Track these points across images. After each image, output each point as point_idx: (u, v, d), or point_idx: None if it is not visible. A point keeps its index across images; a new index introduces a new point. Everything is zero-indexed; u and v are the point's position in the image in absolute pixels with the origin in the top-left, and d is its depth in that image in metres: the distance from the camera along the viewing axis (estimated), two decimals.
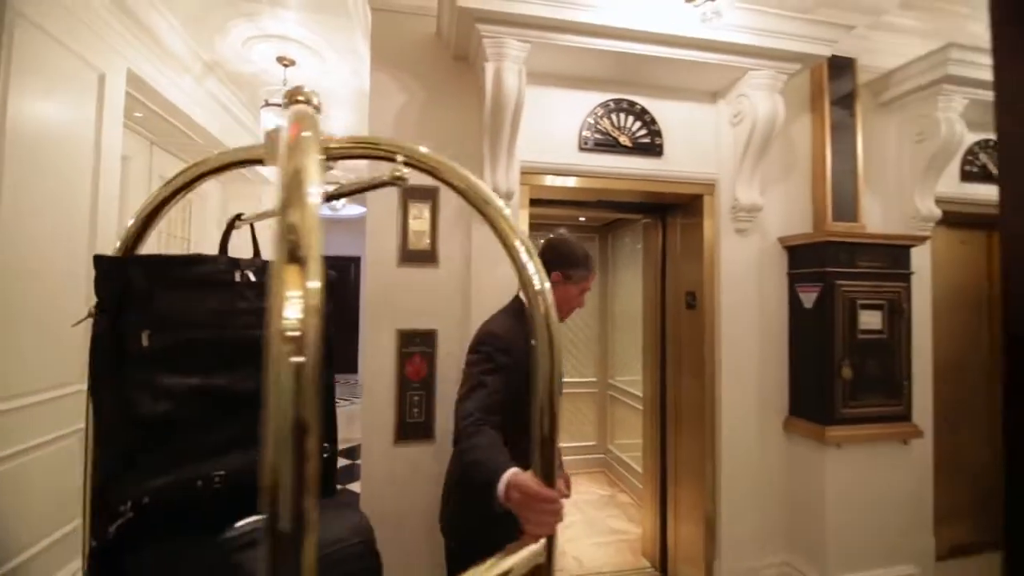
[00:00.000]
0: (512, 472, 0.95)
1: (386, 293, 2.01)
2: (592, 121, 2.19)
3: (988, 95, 2.00)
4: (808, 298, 2.27)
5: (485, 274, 2.02)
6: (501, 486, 0.95)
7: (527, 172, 2.12)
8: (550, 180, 2.16)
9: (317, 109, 0.61)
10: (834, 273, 2.18)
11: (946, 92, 2.35)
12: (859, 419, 2.19)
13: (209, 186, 4.89)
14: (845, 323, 2.18)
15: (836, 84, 2.42)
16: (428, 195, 2.05)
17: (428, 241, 2.04)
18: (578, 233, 4.36)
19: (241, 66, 3.28)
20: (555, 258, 1.53)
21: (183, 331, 0.74)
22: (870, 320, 2.22)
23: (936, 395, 2.53)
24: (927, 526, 2.48)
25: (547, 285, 0.60)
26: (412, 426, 1.99)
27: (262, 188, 5.23)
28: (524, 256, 0.62)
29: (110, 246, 0.81)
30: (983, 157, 2.73)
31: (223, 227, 0.99)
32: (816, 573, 2.22)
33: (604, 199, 2.49)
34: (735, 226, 2.28)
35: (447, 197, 2.06)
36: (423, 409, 2.00)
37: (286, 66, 3.10)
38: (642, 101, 2.25)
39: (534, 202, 2.44)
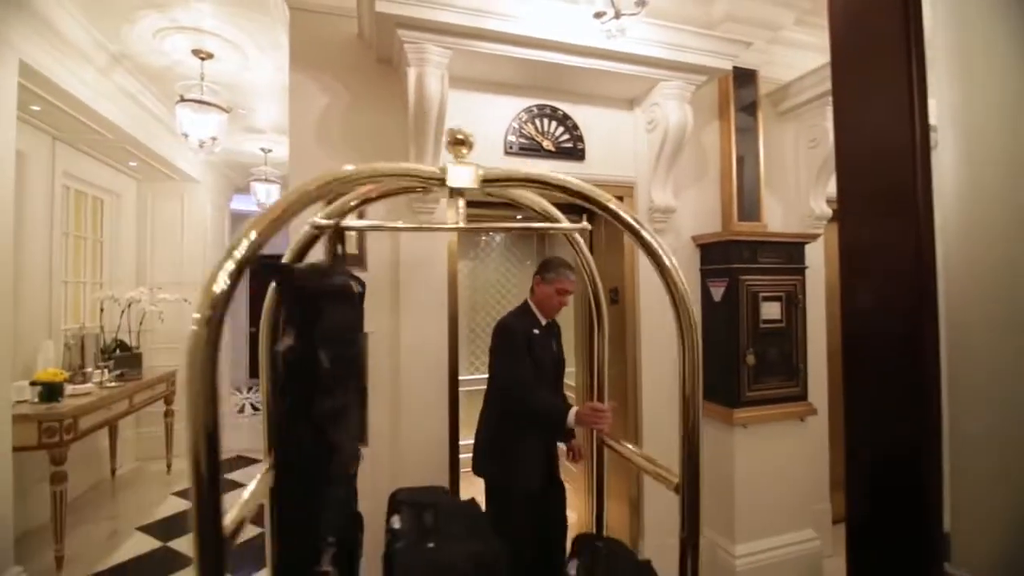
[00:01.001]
0: (575, 408, 1.81)
1: None
2: (517, 126, 2.26)
3: None
4: (717, 292, 2.47)
5: (414, 279, 2.05)
6: (571, 416, 1.79)
7: None
8: None
9: (469, 145, 0.95)
10: (739, 269, 2.39)
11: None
12: (762, 401, 2.42)
13: (123, 183, 4.57)
14: (749, 314, 2.40)
15: (741, 93, 2.63)
16: None
17: (357, 245, 2.05)
18: (515, 234, 4.46)
19: (153, 58, 3.09)
20: (538, 268, 2.11)
21: (338, 347, 0.74)
22: (770, 311, 2.45)
23: (830, 376, 2.83)
24: (824, 494, 2.78)
25: None
26: None
27: (184, 186, 4.94)
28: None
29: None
30: None
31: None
32: (729, 542, 2.44)
33: None
34: (652, 227, 2.43)
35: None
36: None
37: (203, 59, 2.96)
38: (564, 107, 2.35)
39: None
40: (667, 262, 0.92)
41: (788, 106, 2.77)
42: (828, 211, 2.76)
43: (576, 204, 2.78)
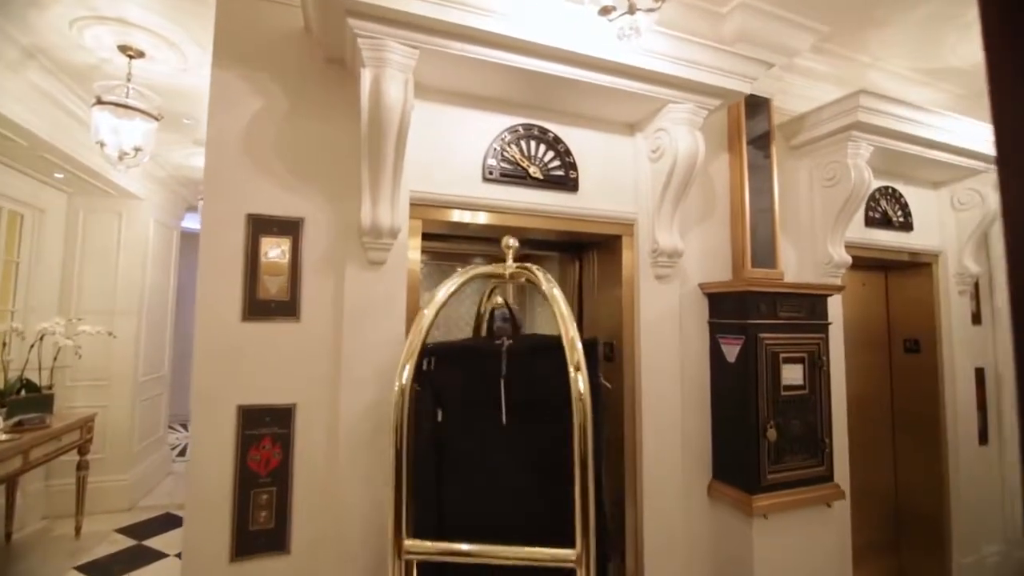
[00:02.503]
0: None
1: (224, 356, 1.52)
2: (498, 148, 1.88)
3: (892, 144, 1.91)
4: (731, 351, 2.09)
5: (362, 333, 1.61)
6: None
7: (419, 204, 1.75)
8: (449, 214, 1.81)
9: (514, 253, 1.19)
10: (757, 325, 2.02)
11: (855, 139, 2.32)
12: (784, 484, 2.01)
13: (49, 197, 4.02)
14: (769, 379, 2.02)
15: (752, 124, 2.32)
16: (289, 228, 1.61)
17: (287, 288, 1.59)
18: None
19: (74, 54, 2.63)
20: None
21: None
22: (792, 375, 2.07)
23: (852, 448, 2.45)
24: None
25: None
26: (257, 536, 1.50)
27: (123, 202, 4.40)
28: None
29: None
30: (884, 204, 2.78)
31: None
32: None
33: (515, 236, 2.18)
34: (655, 272, 2.05)
35: (316, 231, 1.64)
36: (273, 512, 1.52)
37: (131, 57, 2.52)
38: (555, 129, 1.98)
39: (436, 236, 2.08)
40: None
41: (803, 140, 2.48)
42: (848, 258, 2.44)
43: (567, 241, 2.41)
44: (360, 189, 1.57)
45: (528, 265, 1.27)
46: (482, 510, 0.98)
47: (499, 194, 1.85)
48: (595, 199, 2.01)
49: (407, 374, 1.09)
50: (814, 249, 2.49)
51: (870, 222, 2.72)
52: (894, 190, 2.83)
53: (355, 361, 1.59)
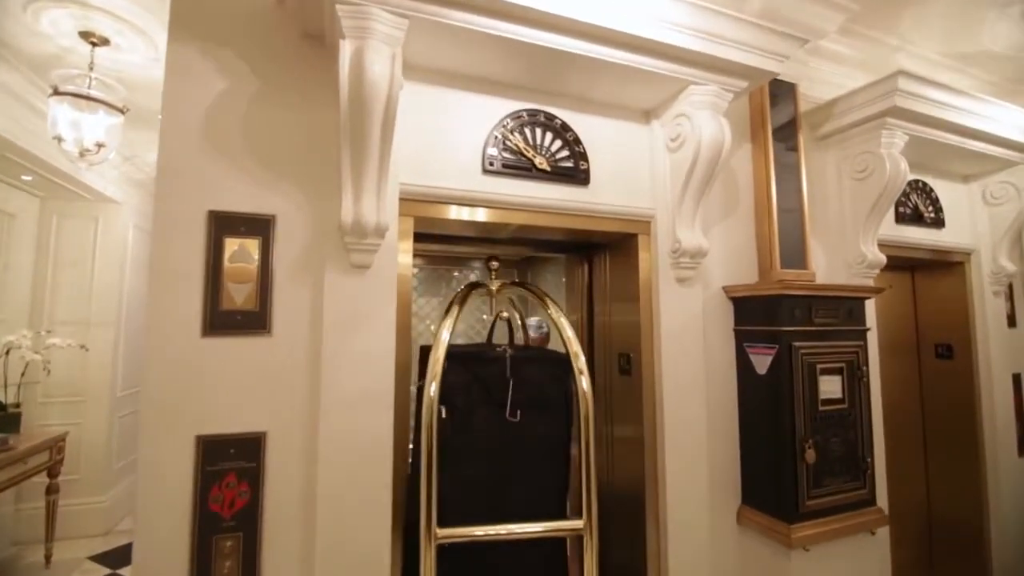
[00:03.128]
0: None
1: (180, 379, 1.29)
2: (500, 136, 1.66)
3: (929, 133, 1.68)
4: (762, 362, 1.87)
5: (345, 348, 1.38)
6: None
7: (410, 199, 1.53)
8: (445, 210, 1.59)
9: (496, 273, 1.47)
10: (792, 333, 1.80)
11: (890, 127, 2.12)
12: (825, 511, 1.79)
13: (20, 201, 3.78)
14: (805, 393, 1.80)
15: (776, 112, 2.11)
16: (258, 227, 1.39)
17: (256, 298, 1.37)
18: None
19: (30, 41, 2.40)
20: None
21: None
22: (830, 388, 1.86)
23: (889, 466, 2.24)
24: None
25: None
26: None
27: (100, 207, 4.17)
28: None
29: None
30: (915, 198, 2.58)
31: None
32: None
33: (518, 236, 1.96)
34: (676, 274, 1.83)
35: (290, 231, 1.41)
36: (239, 561, 1.29)
37: (95, 45, 2.29)
38: (563, 115, 1.76)
39: (430, 237, 1.86)
40: None
41: (831, 129, 2.27)
42: (882, 258, 2.24)
43: (575, 242, 2.18)
44: (341, 182, 1.35)
45: (518, 282, 1.36)
46: (485, 495, 1.06)
47: (501, 187, 1.63)
48: (608, 193, 1.79)
49: (435, 389, 1.15)
50: (844, 248, 2.28)
51: (901, 218, 2.52)
52: (924, 184, 2.63)
53: (337, 380, 1.36)
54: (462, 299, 1.28)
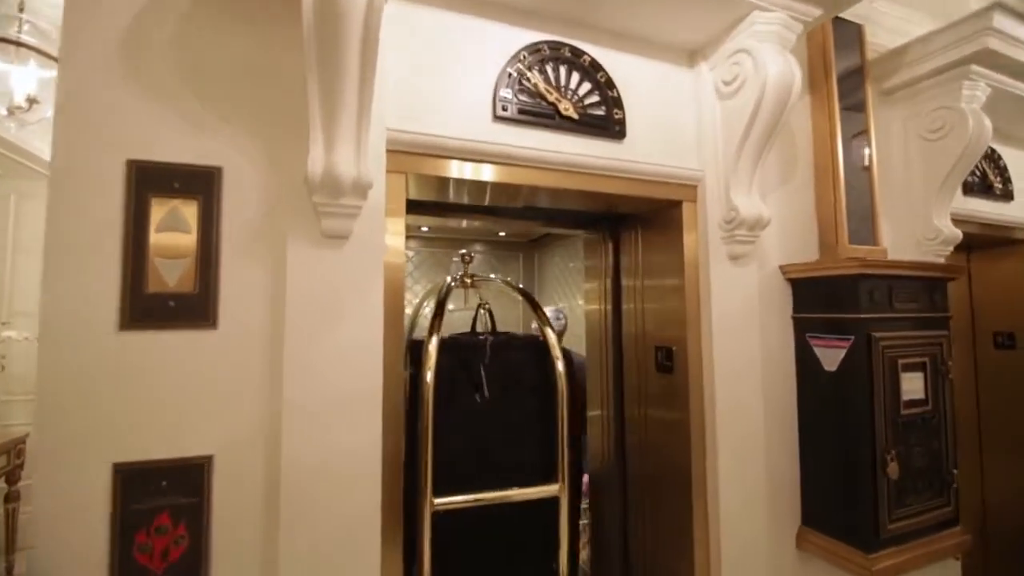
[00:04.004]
0: None
1: (90, 386, 0.95)
2: (515, 74, 1.31)
3: (1016, 86, 1.34)
4: (831, 356, 1.54)
5: (315, 342, 1.04)
6: None
7: (401, 151, 1.19)
8: (445, 166, 1.24)
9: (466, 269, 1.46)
10: (871, 321, 1.48)
11: (974, 76, 1.78)
12: (909, 534, 1.48)
13: None
14: (887, 393, 1.48)
15: (839, 57, 1.76)
16: (200, 183, 1.04)
17: (195, 278, 1.02)
18: (496, 252, 3.49)
19: None
20: None
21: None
22: (913, 387, 1.54)
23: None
24: None
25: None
26: None
27: None
28: None
29: None
30: (984, 166, 2.25)
31: None
32: None
33: (533, 205, 1.62)
34: (729, 250, 1.50)
35: (242, 189, 1.07)
36: None
37: None
38: (592, 51, 1.41)
39: (421, 206, 1.52)
40: None
41: (900, 81, 1.93)
42: (957, 233, 1.91)
43: (597, 214, 1.73)
44: (309, 122, 1.00)
45: (491, 277, 1.38)
46: (471, 467, 1.12)
47: (517, 138, 1.29)
48: (648, 151, 1.45)
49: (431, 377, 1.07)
50: (913, 221, 1.95)
51: (968, 189, 2.18)
52: (992, 150, 2.29)
53: (305, 384, 1.03)
54: (446, 294, 1.30)
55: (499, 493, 1.03)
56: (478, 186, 1.34)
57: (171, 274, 1.00)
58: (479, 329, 1.73)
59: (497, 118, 1.27)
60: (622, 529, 1.78)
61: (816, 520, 1.58)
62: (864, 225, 1.73)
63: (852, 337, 1.49)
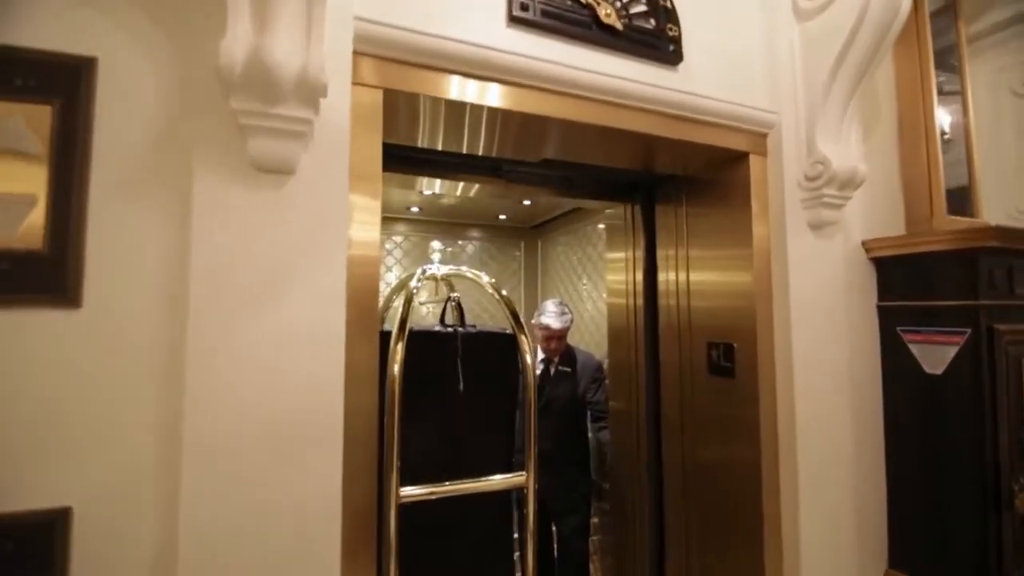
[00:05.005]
0: None
1: None
2: None
3: None
4: (933, 356, 1.20)
5: (237, 339, 0.67)
6: None
7: (375, 56, 0.82)
8: (439, 83, 0.87)
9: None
10: (991, 310, 1.14)
11: None
12: None
13: None
14: (1012, 403, 1.14)
15: None
16: (59, 83, 0.66)
17: (44, 231, 0.65)
18: (494, 240, 3.13)
19: None
20: None
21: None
22: None
23: None
24: None
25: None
26: None
27: None
28: None
29: None
30: None
31: None
32: None
33: (552, 156, 1.26)
34: (812, 216, 1.15)
35: (126, 89, 0.69)
36: None
37: None
38: None
39: (402, 159, 1.15)
40: None
41: (990, 25, 1.60)
42: None
43: (632, 175, 1.33)
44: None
45: (462, 270, 1.26)
46: (437, 458, 1.16)
47: (539, 50, 0.92)
48: (708, 82, 1.10)
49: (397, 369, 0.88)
50: (1004, 190, 1.62)
51: None
52: None
53: (217, 401, 0.66)
54: (416, 284, 1.22)
55: (465, 484, 1.06)
56: (482, 119, 0.97)
57: (3, 222, 0.63)
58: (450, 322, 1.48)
59: (514, 20, 0.91)
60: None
61: (909, 563, 1.24)
62: (959, 194, 1.40)
63: (967, 331, 1.15)
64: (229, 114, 0.66)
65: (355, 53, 0.79)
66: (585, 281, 2.76)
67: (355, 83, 0.79)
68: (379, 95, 0.82)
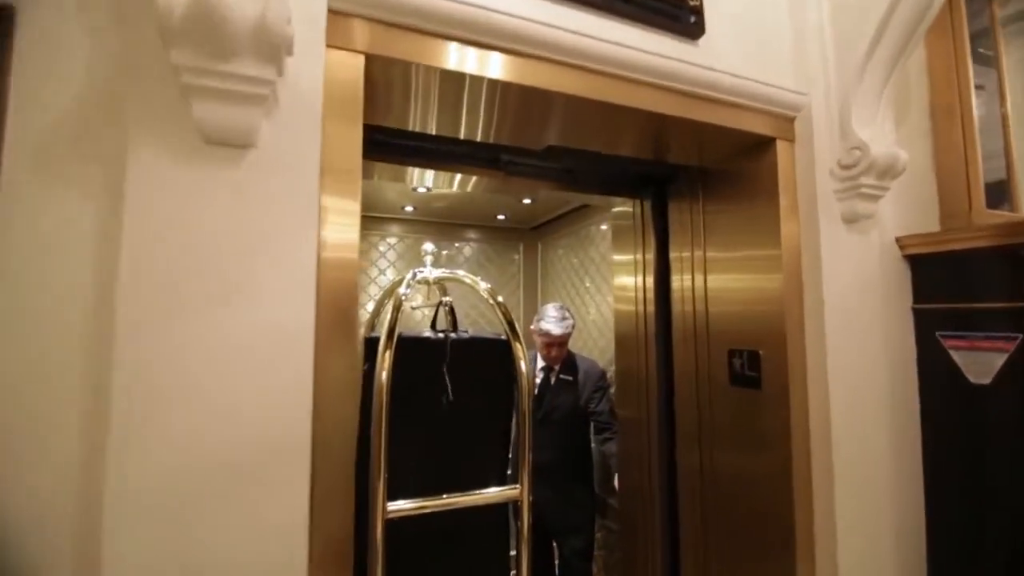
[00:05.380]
0: None
1: None
2: None
3: None
4: (979, 364, 1.08)
5: (185, 338, 0.55)
6: None
7: (355, 15, 0.70)
8: (430, 49, 0.76)
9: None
10: None
11: None
12: None
13: None
14: None
15: None
16: None
17: None
18: (492, 243, 3.01)
19: None
20: None
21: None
22: None
23: None
24: None
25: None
26: None
27: None
28: None
29: None
30: None
31: None
32: None
33: (556, 142, 1.15)
34: (846, 208, 1.04)
35: (52, 49, 0.57)
36: None
37: None
38: None
39: (386, 147, 1.04)
40: None
41: (1020, 8, 1.50)
42: None
43: (643, 166, 1.20)
44: None
45: (456, 274, 1.15)
46: (428, 471, 1.09)
47: (544, 13, 0.81)
48: (731, 59, 0.98)
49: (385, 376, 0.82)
50: None
51: None
52: None
53: (154, 424, 0.53)
54: (407, 287, 1.14)
55: (456, 498, 1.00)
56: (481, 95, 0.85)
57: None
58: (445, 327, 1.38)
59: None
60: None
61: None
62: (994, 188, 1.29)
63: (1017, 336, 1.03)
64: (172, 71, 0.54)
65: (331, 12, 0.67)
66: (588, 284, 2.64)
67: (330, 45, 0.67)
68: (359, 62, 0.70)
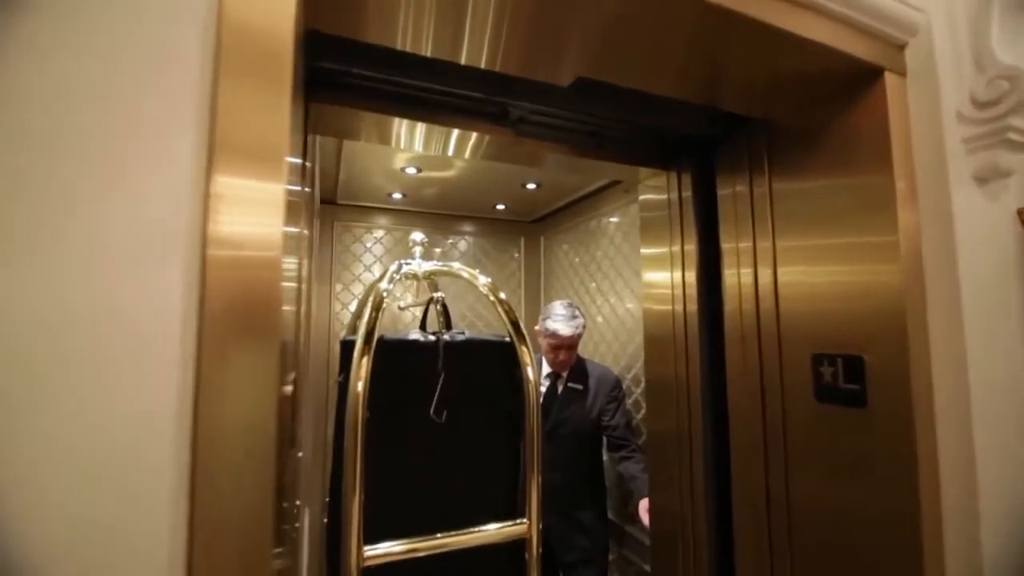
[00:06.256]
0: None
1: None
2: None
3: None
4: None
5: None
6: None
7: None
8: None
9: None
10: None
11: None
12: None
13: None
14: None
15: None
16: None
17: None
18: (491, 236, 2.74)
19: None
20: None
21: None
22: None
23: None
24: None
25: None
26: None
27: None
28: None
29: None
30: None
31: None
32: None
33: (582, 72, 0.87)
34: (978, 163, 0.77)
35: None
36: None
37: None
38: None
39: (364, 87, 0.75)
40: None
41: None
42: None
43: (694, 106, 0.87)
44: None
45: (451, 267, 1.13)
46: (419, 499, 1.03)
47: None
48: None
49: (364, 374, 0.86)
50: None
51: None
52: None
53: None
54: (389, 283, 1.06)
55: (450, 538, 0.86)
56: None
57: None
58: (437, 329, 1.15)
59: None
60: None
61: None
62: None
63: None
64: None
65: None
66: (595, 283, 2.37)
67: None
68: None
